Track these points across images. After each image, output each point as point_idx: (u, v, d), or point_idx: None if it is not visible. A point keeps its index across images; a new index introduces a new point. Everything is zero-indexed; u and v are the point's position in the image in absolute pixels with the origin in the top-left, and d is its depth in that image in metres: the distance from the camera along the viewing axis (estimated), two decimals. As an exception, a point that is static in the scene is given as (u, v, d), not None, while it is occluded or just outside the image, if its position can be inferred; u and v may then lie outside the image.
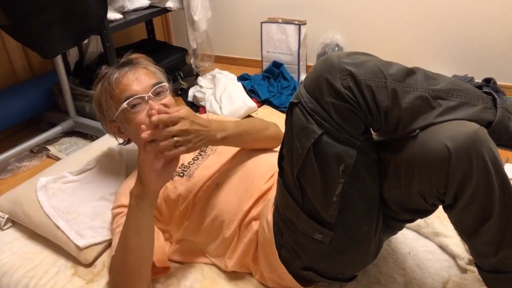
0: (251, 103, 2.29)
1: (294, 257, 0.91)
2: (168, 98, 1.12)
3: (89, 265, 1.11)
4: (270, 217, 0.94)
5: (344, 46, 2.64)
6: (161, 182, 0.91)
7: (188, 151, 0.89)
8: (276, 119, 2.20)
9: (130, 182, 1.12)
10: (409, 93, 0.76)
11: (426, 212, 0.87)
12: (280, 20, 2.64)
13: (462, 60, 2.39)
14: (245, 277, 1.04)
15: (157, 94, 1.09)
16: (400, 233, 1.04)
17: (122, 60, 1.15)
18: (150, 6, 2.35)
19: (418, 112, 0.77)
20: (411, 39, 2.48)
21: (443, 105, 0.77)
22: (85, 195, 1.23)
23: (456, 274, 1.03)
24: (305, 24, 2.59)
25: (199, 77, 2.60)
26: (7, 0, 1.48)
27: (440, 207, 0.82)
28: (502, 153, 0.80)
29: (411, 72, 0.79)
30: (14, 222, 1.27)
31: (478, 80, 2.25)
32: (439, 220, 1.14)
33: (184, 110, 0.89)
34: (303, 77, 2.67)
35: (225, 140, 0.98)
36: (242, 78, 2.59)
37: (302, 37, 2.58)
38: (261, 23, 2.67)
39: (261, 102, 2.39)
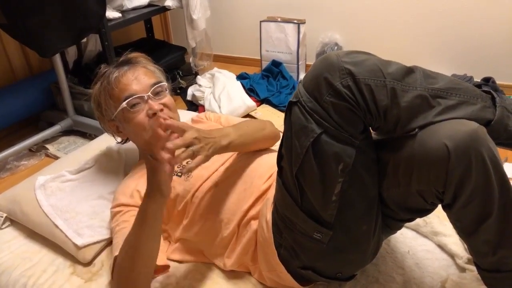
0: (250, 102, 2.29)
1: (293, 257, 0.91)
2: (168, 98, 1.12)
3: (87, 264, 1.11)
4: (269, 216, 0.93)
5: (343, 45, 2.64)
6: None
7: (206, 158, 0.87)
8: (275, 118, 2.20)
9: (129, 181, 1.12)
10: (408, 92, 0.76)
11: (425, 211, 0.87)
12: (279, 19, 2.63)
13: (461, 59, 2.39)
14: (244, 277, 1.04)
15: (156, 93, 1.09)
16: (399, 232, 1.04)
17: (121, 59, 1.14)
18: (149, 5, 2.35)
19: (417, 111, 0.76)
20: (410, 39, 2.49)
21: (442, 104, 0.77)
22: (83, 194, 1.23)
23: (454, 273, 1.03)
24: (304, 23, 2.59)
25: (198, 76, 2.60)
26: (5, -2, 1.48)
27: (439, 206, 0.82)
28: (501, 152, 0.80)
29: (410, 71, 0.79)
30: (13, 221, 1.27)
31: (477, 79, 2.25)
32: (438, 220, 1.14)
33: (183, 122, 0.89)
34: (302, 76, 2.67)
35: (230, 145, 0.96)
36: (241, 77, 2.59)
37: (301, 36, 2.58)
38: (260, 22, 2.67)
39: (260, 101, 2.39)
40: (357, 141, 0.78)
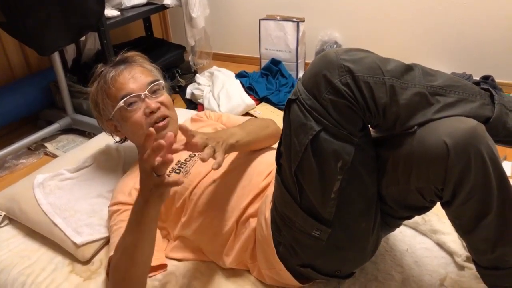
0: (249, 100, 2.29)
1: (292, 254, 0.91)
2: (165, 96, 1.12)
3: (86, 262, 1.11)
4: (268, 214, 0.93)
5: (343, 43, 2.63)
6: None
7: (226, 152, 0.88)
8: (274, 116, 2.20)
9: (127, 179, 1.12)
10: (407, 89, 0.76)
11: (424, 208, 0.87)
12: (278, 18, 2.63)
13: (461, 57, 2.39)
14: (243, 274, 1.04)
15: (153, 92, 1.09)
16: (398, 230, 1.04)
17: (117, 58, 1.14)
18: (147, 3, 2.34)
19: (416, 109, 0.76)
20: (409, 37, 2.48)
21: (441, 101, 0.77)
22: (82, 193, 1.23)
23: (453, 271, 1.03)
24: (303, 21, 2.59)
25: (197, 75, 2.60)
26: (4, -4, 1.48)
27: (438, 204, 0.82)
28: (500, 150, 0.80)
29: (409, 68, 0.78)
30: (11, 220, 1.27)
31: (477, 77, 2.25)
32: (437, 218, 1.14)
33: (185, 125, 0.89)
34: (301, 74, 2.65)
35: (237, 144, 0.97)
36: (240, 76, 2.58)
37: (300, 34, 2.57)
38: (259, 20, 2.66)
39: (259, 100, 2.39)
40: (356, 139, 0.78)
